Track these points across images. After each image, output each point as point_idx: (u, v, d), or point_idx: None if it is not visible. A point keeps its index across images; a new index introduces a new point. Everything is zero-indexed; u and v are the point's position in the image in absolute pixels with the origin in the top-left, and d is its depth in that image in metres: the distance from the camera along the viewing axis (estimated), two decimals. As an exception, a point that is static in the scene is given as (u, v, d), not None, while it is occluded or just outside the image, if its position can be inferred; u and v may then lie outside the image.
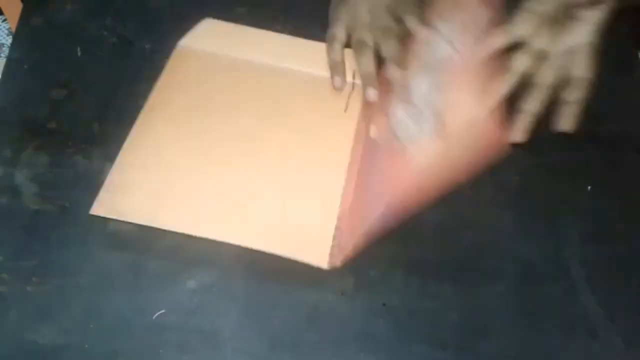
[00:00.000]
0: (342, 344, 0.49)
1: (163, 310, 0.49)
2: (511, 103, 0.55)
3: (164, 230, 0.52)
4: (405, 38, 0.57)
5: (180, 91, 0.58)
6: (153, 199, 0.52)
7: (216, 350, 0.48)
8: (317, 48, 0.61)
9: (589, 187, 0.58)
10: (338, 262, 0.51)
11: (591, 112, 0.62)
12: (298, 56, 0.62)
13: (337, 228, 0.52)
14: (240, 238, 0.51)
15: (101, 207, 0.51)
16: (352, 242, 0.50)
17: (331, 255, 0.51)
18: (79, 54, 0.61)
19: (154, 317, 0.49)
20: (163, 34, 0.63)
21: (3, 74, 0.60)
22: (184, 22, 0.64)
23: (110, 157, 0.55)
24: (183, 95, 0.58)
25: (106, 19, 0.64)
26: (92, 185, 0.54)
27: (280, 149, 0.56)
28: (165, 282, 0.50)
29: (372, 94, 0.56)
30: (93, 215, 0.52)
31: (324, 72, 0.60)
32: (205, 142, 0.56)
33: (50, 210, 0.53)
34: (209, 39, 0.62)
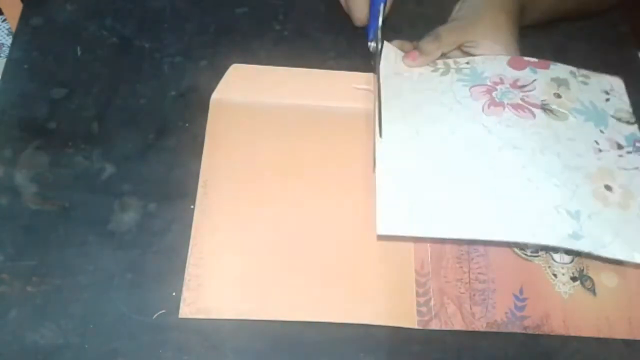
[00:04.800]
0: (342, 344, 0.49)
1: (163, 310, 0.49)
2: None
3: (164, 230, 0.52)
4: None
5: (227, 153, 0.56)
6: (237, 291, 0.50)
7: (216, 350, 0.48)
8: (345, 77, 0.61)
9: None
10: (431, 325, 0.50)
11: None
12: (331, 91, 0.61)
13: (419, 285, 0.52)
14: (338, 315, 0.50)
15: (188, 308, 0.49)
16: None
17: (420, 313, 0.50)
18: (79, 54, 0.61)
19: (154, 317, 0.49)
20: (163, 34, 0.63)
21: (3, 74, 0.60)
22: (184, 22, 0.64)
23: (110, 157, 0.55)
24: (230, 159, 0.56)
25: (106, 19, 0.64)
26: (92, 185, 0.54)
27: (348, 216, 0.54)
28: (166, 282, 0.50)
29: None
30: (93, 216, 0.52)
31: (360, 104, 0.59)
32: (264, 215, 0.54)
33: (50, 210, 0.53)
34: (239, 87, 0.60)
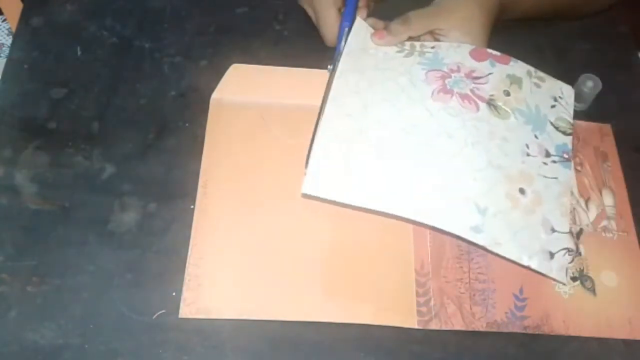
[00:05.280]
0: (342, 344, 0.49)
1: (163, 310, 0.49)
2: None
3: (164, 230, 0.52)
4: None
5: (227, 153, 0.56)
6: (237, 290, 0.51)
7: (216, 350, 0.48)
8: None
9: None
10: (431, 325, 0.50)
11: (591, 112, 0.62)
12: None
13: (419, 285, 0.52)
14: (335, 315, 0.50)
15: (188, 308, 0.49)
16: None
17: (420, 313, 0.51)
18: (79, 54, 0.61)
19: (154, 317, 0.49)
20: (163, 34, 0.63)
21: (3, 74, 0.60)
22: (184, 22, 0.64)
23: (110, 157, 0.55)
24: (230, 159, 0.56)
25: (106, 19, 0.64)
26: (92, 185, 0.54)
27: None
28: (166, 282, 0.50)
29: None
30: (93, 216, 0.52)
31: None
32: (264, 215, 0.54)
33: (50, 210, 0.53)
34: (239, 87, 0.60)
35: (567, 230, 0.51)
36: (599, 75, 0.61)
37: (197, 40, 0.63)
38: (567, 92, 0.58)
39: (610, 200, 0.57)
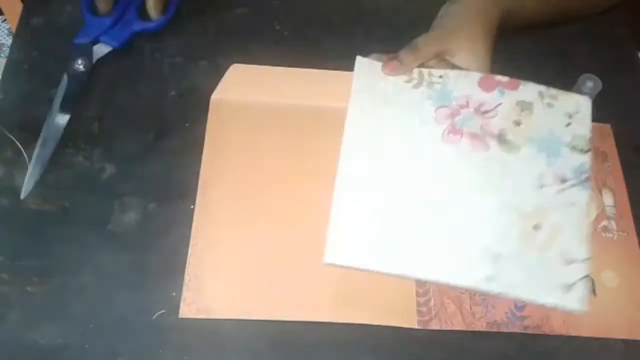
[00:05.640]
0: (342, 344, 0.49)
1: (163, 310, 0.49)
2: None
3: (164, 230, 0.52)
4: None
5: (227, 153, 0.57)
6: (237, 290, 0.51)
7: (216, 350, 0.48)
8: (344, 77, 0.57)
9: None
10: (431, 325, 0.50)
11: (591, 111, 0.62)
12: (330, 91, 0.60)
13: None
14: (332, 315, 0.50)
15: (188, 308, 0.49)
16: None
17: (420, 313, 0.51)
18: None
19: (154, 317, 0.49)
20: (163, 34, 0.63)
21: (3, 74, 0.60)
22: (183, 22, 0.64)
23: (110, 157, 0.55)
24: (230, 159, 0.56)
25: (106, 19, 0.64)
26: (92, 185, 0.54)
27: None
28: (166, 282, 0.50)
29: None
30: (93, 216, 0.52)
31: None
32: (264, 214, 0.54)
33: (50, 210, 0.53)
34: (239, 87, 0.60)
35: (587, 256, 0.47)
36: (599, 76, 0.61)
37: (197, 40, 0.63)
38: (584, 104, 0.54)
39: (610, 200, 0.58)
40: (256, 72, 0.61)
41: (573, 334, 0.51)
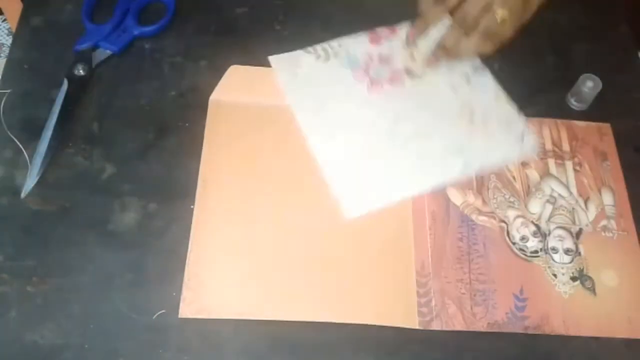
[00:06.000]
0: (342, 344, 0.49)
1: (163, 310, 0.49)
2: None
3: (164, 230, 0.52)
4: None
5: (226, 153, 0.57)
6: (237, 290, 0.51)
7: (216, 350, 0.48)
8: None
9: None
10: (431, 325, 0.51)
11: (591, 112, 0.62)
12: None
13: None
14: (332, 315, 0.50)
15: (188, 308, 0.49)
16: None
17: (421, 313, 0.51)
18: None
19: (154, 317, 0.49)
20: (163, 34, 0.63)
21: (3, 74, 0.60)
22: (183, 23, 0.64)
23: (110, 157, 0.55)
24: (230, 159, 0.56)
25: (106, 19, 0.64)
26: (92, 185, 0.54)
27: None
28: (165, 282, 0.50)
29: None
30: (93, 216, 0.52)
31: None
32: (263, 215, 0.54)
33: (50, 210, 0.53)
34: (238, 89, 0.60)
35: (517, 112, 0.60)
36: (599, 75, 0.61)
37: (197, 40, 0.63)
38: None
39: (610, 199, 0.58)
40: (254, 73, 0.61)
41: (573, 334, 0.51)
